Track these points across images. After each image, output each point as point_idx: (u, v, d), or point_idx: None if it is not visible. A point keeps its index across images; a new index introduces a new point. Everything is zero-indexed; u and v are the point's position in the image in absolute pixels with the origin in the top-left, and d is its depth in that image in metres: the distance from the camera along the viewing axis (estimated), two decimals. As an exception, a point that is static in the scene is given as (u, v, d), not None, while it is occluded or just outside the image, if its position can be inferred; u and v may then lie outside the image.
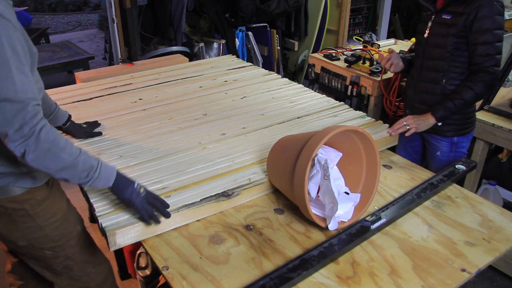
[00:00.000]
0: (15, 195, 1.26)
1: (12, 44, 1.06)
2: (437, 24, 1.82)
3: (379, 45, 2.98)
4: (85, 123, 1.79)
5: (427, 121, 1.80)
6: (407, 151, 2.15)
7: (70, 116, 1.69)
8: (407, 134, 1.80)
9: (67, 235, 1.41)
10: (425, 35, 1.88)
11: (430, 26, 1.86)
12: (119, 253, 2.19)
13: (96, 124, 1.83)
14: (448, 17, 1.78)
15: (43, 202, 1.33)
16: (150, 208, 1.26)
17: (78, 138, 1.72)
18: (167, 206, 1.30)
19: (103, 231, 1.22)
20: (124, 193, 1.25)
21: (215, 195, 1.38)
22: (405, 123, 1.78)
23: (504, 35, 2.69)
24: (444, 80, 1.83)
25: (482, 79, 1.73)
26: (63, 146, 1.14)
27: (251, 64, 2.69)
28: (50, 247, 1.38)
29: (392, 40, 3.43)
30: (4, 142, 1.09)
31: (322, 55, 3.12)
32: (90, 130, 1.77)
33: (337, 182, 1.33)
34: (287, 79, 2.41)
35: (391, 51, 2.01)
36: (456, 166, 1.62)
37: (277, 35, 4.50)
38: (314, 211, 1.27)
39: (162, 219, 1.27)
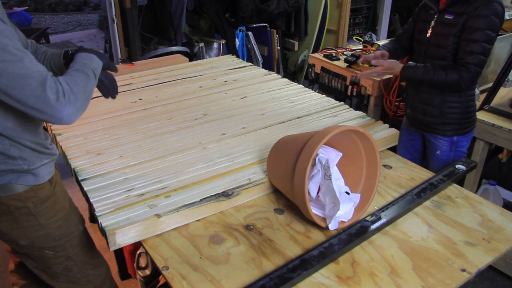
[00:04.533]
0: (17, 193, 1.27)
1: (4, 34, 1.08)
2: (440, 24, 1.82)
3: (379, 45, 2.98)
4: None
5: (394, 68, 1.88)
6: (408, 150, 2.15)
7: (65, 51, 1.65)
8: (375, 72, 1.90)
9: (69, 234, 1.41)
10: (428, 35, 1.87)
11: (433, 26, 1.85)
12: (119, 253, 2.19)
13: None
14: (451, 17, 1.77)
15: (46, 200, 1.33)
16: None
17: None
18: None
19: (103, 231, 1.22)
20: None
21: (215, 195, 1.38)
22: (373, 62, 1.87)
23: (504, 35, 2.71)
24: None
25: (458, 72, 1.72)
26: (79, 81, 1.20)
27: (251, 64, 2.69)
28: (51, 246, 1.38)
29: (392, 40, 3.42)
30: (49, 115, 1.12)
31: (322, 55, 3.12)
32: None
33: (338, 182, 1.33)
34: (287, 79, 2.41)
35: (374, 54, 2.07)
36: (456, 166, 1.61)
37: (277, 35, 4.50)
38: (314, 211, 1.27)
39: (162, 219, 1.27)
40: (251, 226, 1.32)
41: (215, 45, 4.25)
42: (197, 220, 1.35)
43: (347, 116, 1.94)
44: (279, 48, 4.57)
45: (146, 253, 1.26)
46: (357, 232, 1.25)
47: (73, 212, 1.46)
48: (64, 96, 1.12)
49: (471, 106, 1.93)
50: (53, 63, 1.46)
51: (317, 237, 1.28)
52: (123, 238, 1.22)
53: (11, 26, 1.17)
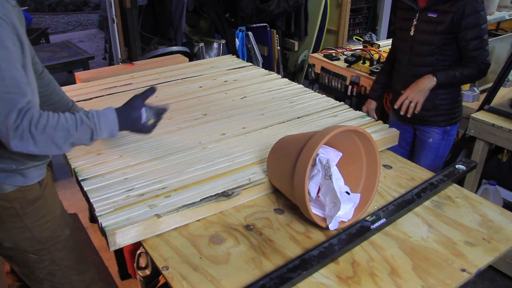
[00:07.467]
0: (5, 193, 1.24)
1: (0, 39, 1.05)
2: (423, 22, 1.91)
3: (379, 45, 2.99)
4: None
5: (427, 85, 1.89)
6: (400, 143, 2.18)
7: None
8: (417, 111, 1.91)
9: (55, 238, 1.38)
10: (411, 33, 1.95)
11: (415, 24, 1.93)
12: (119, 253, 2.19)
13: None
14: (434, 16, 1.86)
15: (33, 202, 1.31)
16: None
17: None
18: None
19: (103, 231, 1.22)
20: (134, 129, 1.34)
21: (215, 195, 1.38)
22: (408, 100, 1.88)
23: (504, 35, 2.72)
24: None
25: (479, 67, 1.87)
26: (56, 126, 1.12)
27: (251, 64, 2.69)
28: (36, 250, 1.35)
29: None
30: (5, 141, 1.09)
31: (322, 55, 3.12)
32: None
33: (338, 182, 1.33)
34: (287, 79, 2.41)
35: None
36: (456, 166, 1.61)
37: (277, 35, 4.50)
38: (314, 211, 1.27)
39: (162, 219, 1.27)
40: (251, 226, 1.32)
41: (215, 45, 4.25)
42: (197, 220, 1.34)
43: (347, 116, 1.94)
44: (279, 48, 4.57)
45: (146, 253, 1.26)
46: (357, 232, 1.25)
47: (62, 216, 1.43)
48: (22, 131, 1.07)
49: (458, 95, 2.09)
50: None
51: (317, 237, 1.28)
52: (123, 238, 1.22)
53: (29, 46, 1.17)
